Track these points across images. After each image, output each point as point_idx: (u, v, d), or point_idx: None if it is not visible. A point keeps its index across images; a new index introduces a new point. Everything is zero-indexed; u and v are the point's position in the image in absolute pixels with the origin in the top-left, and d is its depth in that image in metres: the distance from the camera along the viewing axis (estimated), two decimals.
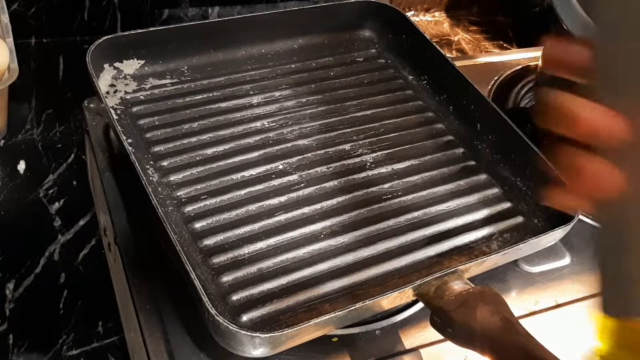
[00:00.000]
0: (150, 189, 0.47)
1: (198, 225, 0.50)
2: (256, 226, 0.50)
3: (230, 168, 0.54)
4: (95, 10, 0.79)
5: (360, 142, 0.59)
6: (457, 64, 0.62)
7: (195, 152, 0.55)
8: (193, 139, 0.56)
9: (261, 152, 0.56)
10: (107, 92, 0.58)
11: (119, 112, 0.57)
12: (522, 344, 0.40)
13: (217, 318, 0.40)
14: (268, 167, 0.55)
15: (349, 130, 0.60)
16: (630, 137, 0.22)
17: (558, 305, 0.54)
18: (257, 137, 0.57)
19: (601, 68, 0.22)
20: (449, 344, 0.43)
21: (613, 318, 0.25)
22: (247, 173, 0.54)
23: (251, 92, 0.61)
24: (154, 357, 0.45)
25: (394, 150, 0.59)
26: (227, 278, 0.47)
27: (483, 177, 0.58)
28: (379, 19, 0.69)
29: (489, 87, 0.75)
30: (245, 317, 0.45)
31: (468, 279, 0.46)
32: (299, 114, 0.60)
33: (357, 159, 0.57)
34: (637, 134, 0.21)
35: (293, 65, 0.65)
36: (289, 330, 0.40)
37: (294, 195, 0.53)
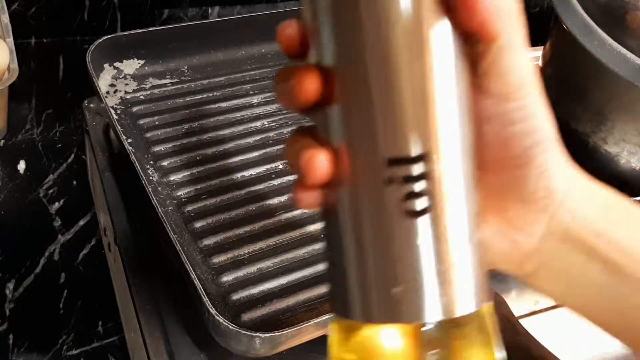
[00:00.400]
0: (150, 189, 0.47)
1: (198, 225, 0.50)
2: (256, 226, 0.50)
3: (230, 168, 0.54)
4: (95, 10, 0.79)
5: None
6: None
7: (195, 152, 0.55)
8: (193, 139, 0.56)
9: (261, 152, 0.56)
10: (107, 92, 0.58)
11: (119, 112, 0.57)
12: (522, 343, 0.40)
13: (217, 318, 0.40)
14: (268, 167, 0.55)
15: None
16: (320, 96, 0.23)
17: (558, 305, 0.54)
18: (257, 137, 0.57)
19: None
20: None
21: (339, 318, 0.24)
22: (247, 173, 0.54)
23: (251, 92, 0.61)
24: (154, 357, 0.45)
25: None
26: (227, 278, 0.47)
27: None
28: None
29: None
30: (245, 317, 0.45)
31: None
32: None
33: None
34: (327, 88, 0.23)
35: None
36: (289, 330, 0.40)
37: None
